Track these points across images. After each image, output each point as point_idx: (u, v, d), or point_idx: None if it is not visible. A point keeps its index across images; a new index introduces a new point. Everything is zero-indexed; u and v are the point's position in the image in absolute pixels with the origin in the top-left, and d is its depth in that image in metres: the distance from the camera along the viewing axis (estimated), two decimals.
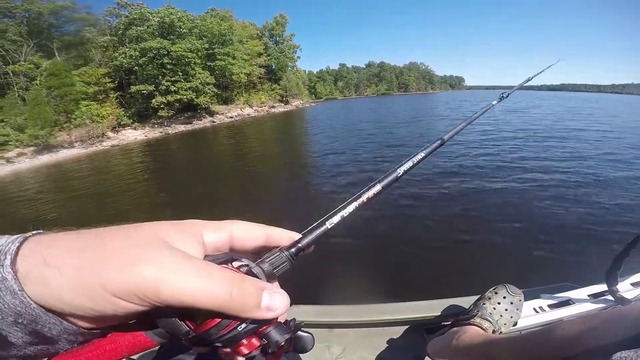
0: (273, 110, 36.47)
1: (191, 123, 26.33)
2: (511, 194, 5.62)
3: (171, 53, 24.57)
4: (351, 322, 1.17)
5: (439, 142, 0.51)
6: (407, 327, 1.17)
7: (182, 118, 26.40)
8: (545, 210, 4.77)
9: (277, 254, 0.27)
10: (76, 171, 12.61)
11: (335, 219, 0.30)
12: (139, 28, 24.26)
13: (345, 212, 0.31)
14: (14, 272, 0.18)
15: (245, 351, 0.23)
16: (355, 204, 0.32)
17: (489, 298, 0.92)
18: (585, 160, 7.88)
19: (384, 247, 4.08)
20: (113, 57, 23.95)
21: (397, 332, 1.16)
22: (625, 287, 0.96)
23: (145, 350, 0.23)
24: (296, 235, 0.29)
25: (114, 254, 0.20)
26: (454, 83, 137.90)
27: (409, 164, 0.40)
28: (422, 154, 0.43)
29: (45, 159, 16.26)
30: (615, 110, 24.35)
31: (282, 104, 40.19)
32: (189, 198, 7.36)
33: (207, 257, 0.25)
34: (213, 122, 27.84)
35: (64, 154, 17.10)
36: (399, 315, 1.13)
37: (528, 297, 1.00)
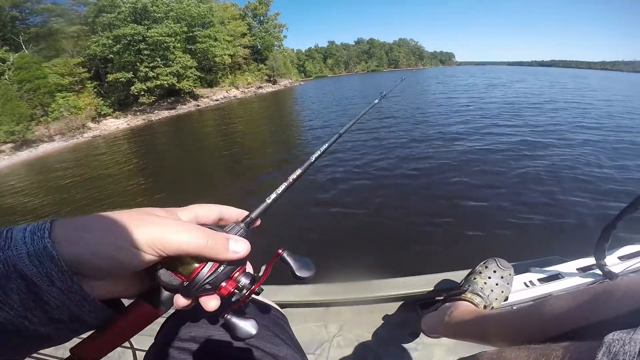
0: (260, 90, 35.73)
1: (175, 108, 25.63)
2: (498, 165, 5.67)
3: (147, 39, 23.49)
4: (346, 299, 1.18)
5: (336, 135, 0.59)
6: (402, 302, 1.19)
7: (165, 104, 25.67)
8: (532, 182, 4.83)
9: (233, 226, 0.35)
10: (58, 164, 12.27)
11: (273, 195, 0.38)
12: (109, 15, 23.09)
13: (278, 190, 0.39)
14: (51, 241, 0.25)
15: (225, 292, 0.31)
16: (284, 185, 0.40)
17: (480, 272, 0.94)
18: (576, 132, 8.00)
19: (371, 222, 4.11)
20: (86, 46, 22.87)
21: (392, 308, 1.18)
22: (612, 261, 0.99)
23: (153, 321, 0.31)
24: (245, 213, 0.37)
25: (129, 220, 0.28)
26: (444, 59, 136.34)
27: (317, 153, 0.48)
28: (326, 145, 0.51)
29: (25, 154, 15.74)
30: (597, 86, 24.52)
31: (270, 84, 39.39)
32: (175, 181, 7.35)
33: None
34: (198, 105, 27.16)
35: (44, 149, 16.58)
36: (392, 291, 1.15)
37: (518, 271, 1.02)
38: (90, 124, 20.46)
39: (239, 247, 0.32)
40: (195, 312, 0.57)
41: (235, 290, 0.32)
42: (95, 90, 22.89)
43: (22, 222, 0.22)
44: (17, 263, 0.24)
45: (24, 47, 19.86)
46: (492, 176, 5.22)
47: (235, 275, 0.33)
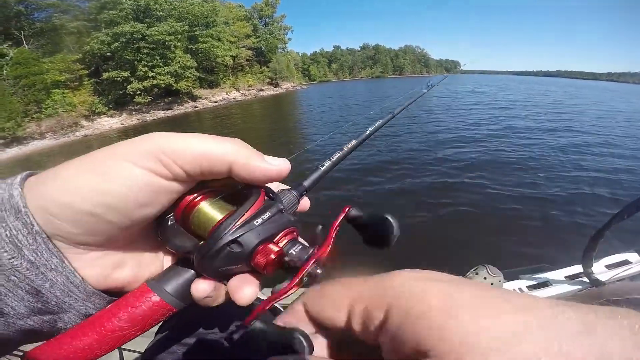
0: (261, 93, 36.15)
1: (172, 109, 25.82)
2: (488, 174, 5.77)
3: (147, 37, 23.82)
4: None
5: (390, 115, 0.60)
6: None
7: (162, 104, 25.87)
8: (525, 191, 4.93)
9: (283, 191, 0.29)
10: (46, 163, 12.29)
11: (326, 162, 0.35)
12: (111, 12, 23.48)
13: (333, 158, 0.36)
14: (21, 188, 0.19)
15: (262, 261, 0.22)
16: (338, 154, 0.37)
17: (470, 279, 0.99)
18: (564, 141, 8.20)
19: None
20: (85, 42, 23.22)
21: None
22: (599, 269, 1.04)
23: (164, 317, 0.23)
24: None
25: (116, 145, 0.21)
26: (450, 67, 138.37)
27: (371, 128, 0.49)
28: (380, 122, 0.52)
29: (14, 151, 15.81)
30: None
31: (272, 87, 39.88)
32: None
33: None
34: (195, 107, 27.37)
35: (33, 146, 16.66)
36: None
37: (508, 278, 1.08)
38: (84, 122, 20.59)
39: (276, 160, 0.24)
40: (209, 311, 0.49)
41: (282, 260, 0.23)
42: (92, 87, 23.12)
43: None
44: None
45: (24, 42, 20.13)
46: (484, 180, 5.34)
47: (281, 240, 0.24)
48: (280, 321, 0.21)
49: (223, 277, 0.23)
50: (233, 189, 0.25)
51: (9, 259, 0.18)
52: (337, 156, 0.36)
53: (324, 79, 75.65)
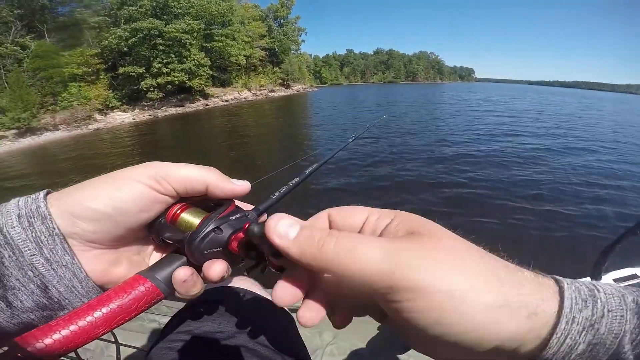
0: (272, 94, 36.50)
1: (183, 106, 26.18)
2: (499, 184, 5.80)
3: (164, 34, 24.25)
4: None
5: (324, 159, 0.62)
6: None
7: (174, 100, 26.24)
8: (532, 203, 4.92)
9: (245, 212, 0.34)
10: (58, 154, 12.67)
11: (276, 193, 0.40)
12: (131, 8, 24.00)
13: (281, 190, 0.41)
14: (45, 201, 0.25)
15: (235, 245, 0.29)
16: (285, 187, 0.42)
17: None
18: (574, 156, 8.14)
19: None
20: (104, 37, 23.76)
21: None
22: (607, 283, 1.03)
23: (154, 302, 0.28)
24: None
25: (129, 167, 0.29)
26: (464, 74, 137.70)
27: (313, 166, 0.53)
28: (323, 160, 0.58)
29: (27, 142, 16.17)
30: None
31: (283, 88, 40.22)
32: None
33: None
34: (207, 105, 27.71)
35: (47, 137, 17.02)
36: None
37: None
38: (97, 116, 20.99)
39: (239, 182, 0.32)
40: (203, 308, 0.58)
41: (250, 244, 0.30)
42: (108, 82, 23.59)
43: None
44: (3, 226, 0.22)
45: (46, 35, 20.69)
46: (493, 194, 5.35)
47: (246, 226, 0.31)
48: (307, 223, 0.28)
49: (206, 260, 0.29)
50: (209, 202, 0.33)
51: (30, 256, 0.23)
52: (284, 189, 0.42)
53: (335, 82, 76.03)
